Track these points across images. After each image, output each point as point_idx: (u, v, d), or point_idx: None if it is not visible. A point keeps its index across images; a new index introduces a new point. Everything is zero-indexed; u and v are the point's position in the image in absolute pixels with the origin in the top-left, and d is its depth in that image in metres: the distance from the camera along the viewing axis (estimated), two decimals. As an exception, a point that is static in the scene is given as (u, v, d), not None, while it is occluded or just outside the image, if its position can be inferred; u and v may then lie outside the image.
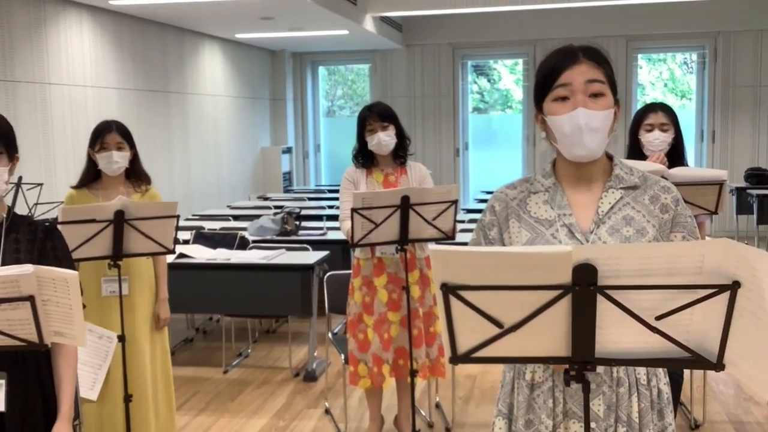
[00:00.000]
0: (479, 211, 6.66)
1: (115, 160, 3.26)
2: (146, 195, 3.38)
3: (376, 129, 3.56)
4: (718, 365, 1.30)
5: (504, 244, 1.78)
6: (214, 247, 5.08)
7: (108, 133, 3.26)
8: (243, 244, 5.17)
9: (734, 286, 1.21)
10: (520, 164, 10.37)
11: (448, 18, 9.83)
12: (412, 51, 10.38)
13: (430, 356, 3.65)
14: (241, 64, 9.53)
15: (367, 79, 10.93)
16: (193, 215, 7.13)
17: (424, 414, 4.13)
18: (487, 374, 4.74)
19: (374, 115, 3.58)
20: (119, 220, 3.03)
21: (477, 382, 4.65)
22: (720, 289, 1.22)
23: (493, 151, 10.66)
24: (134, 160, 3.36)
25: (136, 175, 3.38)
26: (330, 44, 9.90)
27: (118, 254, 3.08)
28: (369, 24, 8.30)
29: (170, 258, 3.83)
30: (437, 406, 4.25)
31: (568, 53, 1.69)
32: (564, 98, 1.66)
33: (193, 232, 5.39)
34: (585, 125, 1.64)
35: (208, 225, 6.02)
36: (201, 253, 4.89)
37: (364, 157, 3.65)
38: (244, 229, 5.66)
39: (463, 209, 7.34)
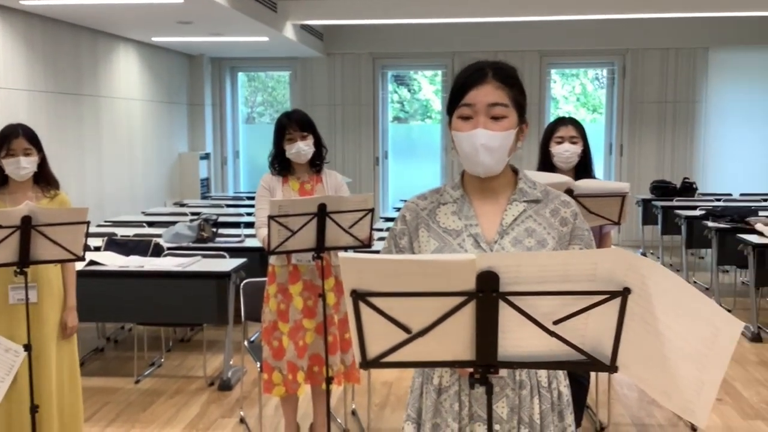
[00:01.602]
0: (397, 219, 6.73)
1: (23, 166, 3.17)
2: (55, 200, 3.29)
3: (295, 138, 3.57)
4: (612, 367, 1.37)
5: (414, 253, 1.83)
6: (127, 254, 4.97)
7: (14, 138, 3.17)
8: (157, 251, 5.07)
9: (624, 293, 1.29)
10: (438, 174, 10.54)
11: (369, 28, 9.92)
12: (332, 59, 10.41)
13: (345, 363, 3.67)
14: (157, 68, 9.35)
15: (288, 86, 10.90)
16: (106, 221, 6.95)
17: (339, 421, 4.15)
18: (403, 380, 4.80)
19: (294, 124, 3.59)
20: (26, 226, 2.95)
21: (393, 389, 4.70)
22: (611, 295, 1.29)
23: (413, 160, 10.79)
24: (42, 165, 3.27)
25: (44, 179, 3.30)
26: (250, 50, 9.83)
27: (24, 261, 3.00)
28: (289, 31, 8.29)
29: (80, 265, 3.74)
30: (353, 412, 4.28)
31: (478, 71, 1.75)
32: (468, 117, 1.73)
33: (105, 238, 5.25)
34: (482, 146, 1.70)
35: (121, 231, 5.88)
36: (113, 261, 4.78)
37: (281, 165, 3.65)
38: (159, 235, 5.56)
39: (382, 217, 7.42)
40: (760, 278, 5.74)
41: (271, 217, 3.24)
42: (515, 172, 1.86)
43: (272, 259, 3.64)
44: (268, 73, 11.22)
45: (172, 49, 9.62)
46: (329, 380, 3.53)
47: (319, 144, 3.67)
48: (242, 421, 4.20)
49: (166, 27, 7.74)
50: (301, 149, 3.57)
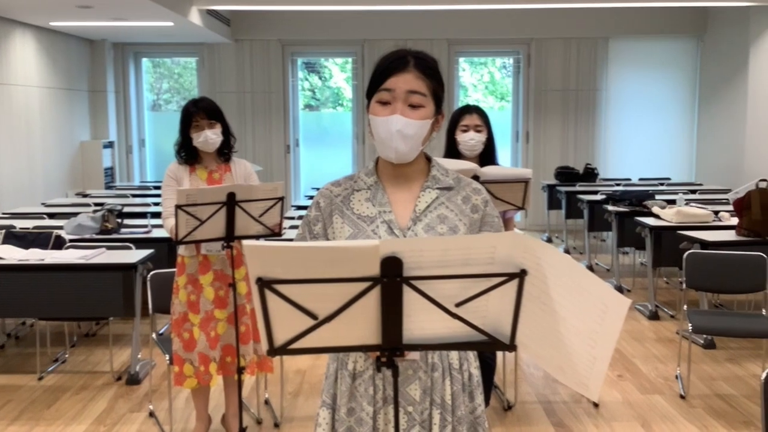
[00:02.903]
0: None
1: None
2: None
3: (202, 126, 3.51)
4: (511, 346, 1.43)
5: (328, 239, 1.85)
6: (27, 247, 4.78)
7: None
8: (59, 244, 4.90)
9: (521, 274, 1.34)
10: (350, 161, 10.56)
11: (278, 14, 9.83)
12: (241, 46, 10.26)
13: (258, 352, 3.66)
14: (56, 54, 8.98)
15: (195, 72, 10.67)
16: (4, 214, 6.65)
17: (252, 411, 4.13)
18: (316, 368, 4.81)
19: (201, 112, 3.52)
20: None
21: (306, 377, 4.71)
22: (509, 277, 1.34)
23: (325, 148, 10.78)
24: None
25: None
26: (154, 36, 9.57)
27: None
28: (195, 17, 8.12)
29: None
30: (266, 402, 4.26)
31: (401, 59, 1.77)
32: (386, 102, 1.75)
33: (3, 231, 5.03)
34: (398, 132, 1.73)
35: (20, 224, 5.64)
36: (11, 254, 4.59)
37: (188, 154, 3.59)
38: (61, 227, 5.37)
39: (294, 206, 7.39)
40: (657, 259, 6.03)
41: (178, 207, 3.19)
42: (428, 159, 1.90)
43: (181, 250, 3.58)
44: (174, 60, 10.95)
45: (71, 34, 9.26)
46: (241, 370, 3.51)
47: (227, 132, 3.62)
48: (152, 414, 4.12)
49: (64, 11, 7.44)
50: (208, 137, 3.51)
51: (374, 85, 1.78)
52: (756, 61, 8.67)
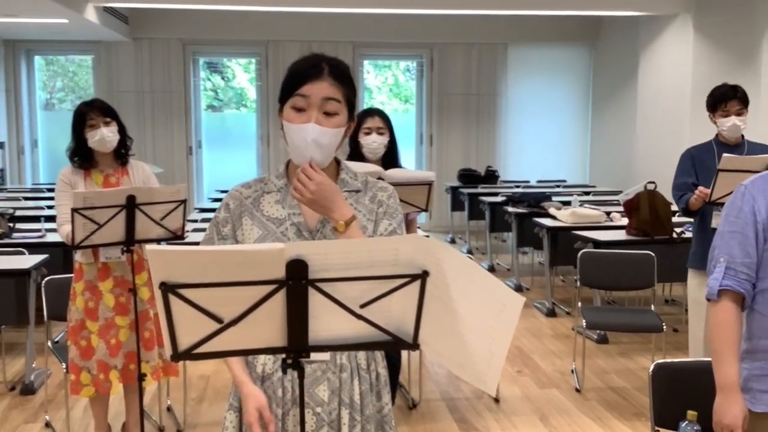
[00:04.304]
0: (213, 210, 6.62)
1: None
2: None
3: (98, 124, 3.40)
4: (414, 345, 1.47)
5: (237, 241, 1.84)
6: None
7: None
8: (-55, 250, 4.65)
9: (423, 275, 1.38)
10: (255, 163, 10.46)
11: (178, 13, 9.62)
12: (139, 44, 9.99)
13: (163, 357, 3.59)
14: (-60, 49, 8.50)
15: (91, 71, 10.32)
16: None
17: (154, 419, 4.05)
18: (221, 373, 4.75)
19: (96, 110, 3.42)
20: None
21: (211, 382, 4.64)
22: (412, 278, 1.38)
23: (228, 149, 10.62)
24: None
25: None
26: (48, 33, 9.19)
27: None
28: (91, 13, 7.85)
29: None
30: (168, 408, 4.18)
31: (315, 66, 1.77)
32: (301, 109, 1.76)
33: None
34: (313, 140, 1.74)
35: None
36: None
37: (82, 157, 3.46)
38: (-53, 232, 5.10)
39: (197, 208, 7.26)
40: (554, 258, 6.26)
41: (74, 210, 3.08)
42: (338, 163, 1.92)
43: (78, 256, 3.46)
44: (69, 57, 10.55)
45: (-44, 28, 8.80)
46: (142, 377, 3.43)
47: (123, 133, 3.52)
48: (48, 425, 3.97)
49: (-51, 4, 7.06)
50: (105, 135, 3.40)
51: (288, 90, 1.78)
52: (645, 68, 9.13)
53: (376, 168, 3.24)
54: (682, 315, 5.73)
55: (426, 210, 3.43)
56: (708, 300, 2.05)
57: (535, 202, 6.97)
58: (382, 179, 3.17)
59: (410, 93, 11.07)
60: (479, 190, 8.85)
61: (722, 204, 3.43)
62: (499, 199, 7.72)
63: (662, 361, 2.44)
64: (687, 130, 7.88)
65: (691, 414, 2.06)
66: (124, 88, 9.97)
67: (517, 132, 10.88)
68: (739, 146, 3.98)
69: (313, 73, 1.76)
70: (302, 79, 1.76)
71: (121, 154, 3.53)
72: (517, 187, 9.03)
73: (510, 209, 7.03)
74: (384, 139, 3.48)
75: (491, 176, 9.66)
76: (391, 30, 10.15)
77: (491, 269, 7.89)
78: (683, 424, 2.07)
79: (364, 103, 10.54)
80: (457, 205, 9.31)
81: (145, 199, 3.23)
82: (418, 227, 4.34)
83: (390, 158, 3.52)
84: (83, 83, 10.61)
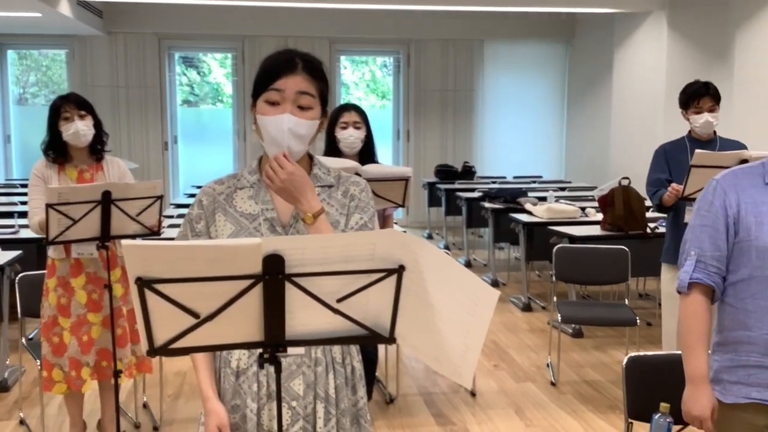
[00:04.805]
0: (189, 205, 6.58)
1: None
2: None
3: (72, 117, 3.37)
4: (390, 339, 1.48)
5: (210, 237, 1.84)
6: None
7: None
8: None
9: (399, 270, 1.39)
10: (231, 158, 10.40)
11: (153, 7, 9.54)
12: (114, 39, 9.89)
13: (136, 354, 3.57)
14: None
15: (65, 65, 10.20)
16: None
17: (130, 415, 4.02)
18: (197, 369, 4.73)
19: (71, 103, 3.39)
20: None
21: (187, 378, 4.62)
22: (388, 272, 1.39)
23: (204, 145, 10.56)
24: None
25: None
26: (21, 26, 9.07)
27: None
28: (65, 7, 7.76)
29: None
30: (144, 405, 4.16)
31: (289, 61, 1.78)
32: (275, 102, 1.76)
33: None
34: (289, 130, 1.75)
35: None
36: None
37: (57, 152, 3.42)
38: None
39: (173, 204, 7.22)
40: (530, 253, 6.31)
41: (49, 205, 3.05)
42: (311, 158, 1.92)
43: (50, 252, 3.43)
44: (42, 52, 10.42)
45: (-74, 21, 8.65)
46: (118, 374, 3.41)
47: (99, 128, 3.49)
48: (22, 422, 3.94)
49: None
50: (79, 129, 3.37)
51: (262, 84, 1.79)
52: (620, 65, 9.21)
53: (353, 163, 3.25)
54: (656, 309, 5.80)
55: (403, 205, 3.44)
56: (678, 292, 2.09)
57: (511, 197, 7.01)
58: (359, 174, 3.18)
59: (387, 89, 11.08)
60: (456, 185, 8.88)
61: (695, 199, 3.48)
62: (475, 194, 7.76)
63: (636, 354, 2.47)
64: (661, 126, 7.97)
65: (664, 406, 2.09)
66: (98, 83, 9.87)
67: (493, 128, 10.93)
68: (711, 142, 4.03)
69: (287, 67, 1.77)
70: (276, 73, 1.77)
71: (97, 149, 3.49)
72: (494, 182, 9.07)
73: (486, 205, 7.07)
74: (361, 134, 3.49)
75: (468, 172, 9.70)
76: (368, 26, 10.15)
77: (468, 264, 7.93)
78: (656, 416, 2.11)
79: (342, 98, 10.53)
80: (434, 201, 9.34)
81: (120, 195, 3.21)
82: (395, 223, 4.36)
83: (367, 154, 3.53)
84: (57, 78, 10.49)
